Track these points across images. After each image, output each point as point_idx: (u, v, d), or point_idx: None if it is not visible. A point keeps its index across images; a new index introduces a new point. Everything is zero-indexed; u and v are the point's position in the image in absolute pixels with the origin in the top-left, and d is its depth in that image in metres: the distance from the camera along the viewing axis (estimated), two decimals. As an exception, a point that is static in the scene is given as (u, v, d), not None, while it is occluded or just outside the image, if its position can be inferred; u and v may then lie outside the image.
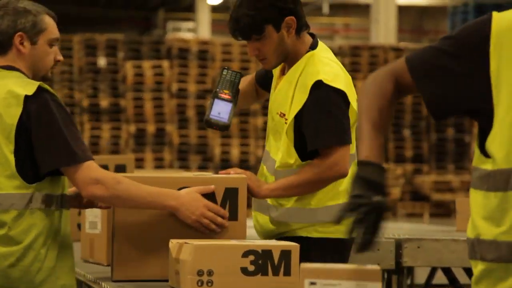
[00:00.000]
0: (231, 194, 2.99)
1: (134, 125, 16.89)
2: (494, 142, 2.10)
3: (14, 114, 2.84)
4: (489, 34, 2.10)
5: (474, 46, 2.11)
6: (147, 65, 16.99)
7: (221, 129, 3.23)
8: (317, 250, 3.17)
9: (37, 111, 2.86)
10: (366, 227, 2.06)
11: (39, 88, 2.89)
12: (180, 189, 2.97)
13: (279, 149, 3.20)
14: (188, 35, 24.84)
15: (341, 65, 3.25)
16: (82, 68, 16.95)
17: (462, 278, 5.03)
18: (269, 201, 3.25)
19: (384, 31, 19.03)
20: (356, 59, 17.71)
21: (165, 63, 17.07)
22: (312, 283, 2.14)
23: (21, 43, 2.98)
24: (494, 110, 2.09)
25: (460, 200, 5.08)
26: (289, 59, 3.20)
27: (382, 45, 18.18)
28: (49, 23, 3.10)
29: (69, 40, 17.11)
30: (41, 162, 2.85)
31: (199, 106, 17.16)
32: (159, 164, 16.83)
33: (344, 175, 3.12)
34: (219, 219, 2.94)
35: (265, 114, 18.99)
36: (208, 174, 3.16)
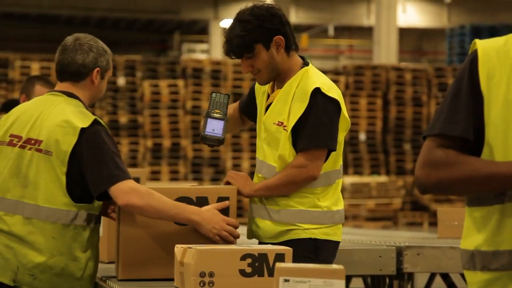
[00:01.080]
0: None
1: (151, 140, 16.90)
2: None
3: (69, 142, 3.13)
4: (477, 62, 2.13)
5: (472, 77, 2.12)
6: (163, 84, 17.01)
7: (217, 144, 3.34)
8: (322, 250, 3.22)
9: (90, 142, 3.14)
10: None
11: (94, 122, 3.18)
12: (178, 198, 3.18)
13: (278, 155, 3.25)
14: (202, 56, 24.90)
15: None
16: (103, 87, 16.99)
17: (460, 283, 4.99)
18: (267, 205, 3.31)
19: (386, 52, 19.02)
20: (359, 78, 17.70)
21: (180, 82, 17.09)
22: (286, 280, 2.26)
23: (96, 77, 3.32)
24: (485, 132, 2.09)
25: (441, 210, 5.13)
26: (281, 75, 3.28)
27: (384, 65, 18.17)
28: (112, 63, 3.43)
29: (91, 61, 17.15)
30: (93, 184, 3.14)
31: (212, 122, 17.15)
32: (174, 177, 16.83)
33: (314, 178, 3.19)
34: (236, 232, 3.18)
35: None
36: (202, 186, 3.39)
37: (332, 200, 3.27)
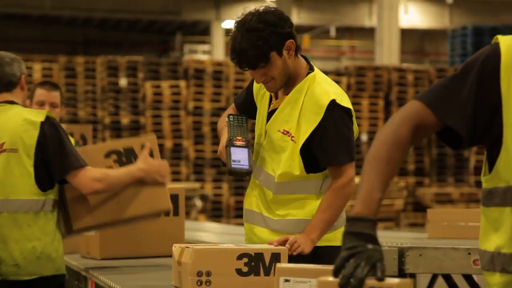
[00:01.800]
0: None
1: (153, 141, 16.89)
2: (505, 165, 2.05)
3: (32, 136, 3.50)
4: (499, 59, 2.07)
5: (484, 72, 2.07)
6: (165, 85, 17.01)
7: (245, 175, 3.21)
8: (323, 257, 3.14)
9: (51, 133, 3.51)
10: (361, 267, 1.89)
11: (47, 115, 3.55)
12: (109, 152, 3.65)
13: (280, 163, 3.18)
14: (203, 57, 24.90)
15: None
16: (105, 88, 16.99)
17: (462, 284, 4.99)
18: (265, 213, 3.23)
19: (387, 52, 19.01)
20: (361, 79, 17.69)
21: (182, 83, 17.10)
22: (286, 280, 2.29)
23: (24, 83, 3.70)
24: (504, 133, 2.04)
25: (431, 211, 5.17)
26: (289, 80, 3.20)
27: (385, 66, 18.17)
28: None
29: (93, 62, 17.16)
30: (56, 170, 3.50)
31: (214, 123, 17.17)
32: (176, 177, 16.83)
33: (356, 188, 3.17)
34: (167, 168, 3.73)
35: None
36: (122, 139, 3.68)
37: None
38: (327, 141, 3.11)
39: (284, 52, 3.13)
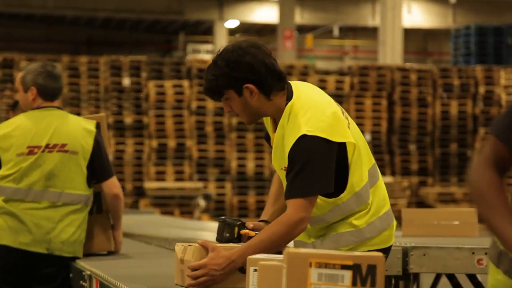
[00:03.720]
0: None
1: (156, 140, 16.91)
2: None
3: (90, 143, 4.39)
4: None
5: None
6: (168, 85, 17.02)
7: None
8: None
9: (100, 141, 4.42)
10: None
11: (96, 125, 4.44)
12: None
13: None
14: (206, 56, 24.90)
15: (319, 99, 3.07)
16: (108, 88, 17.00)
17: (465, 284, 4.99)
18: (312, 240, 3.14)
19: (390, 52, 19.00)
20: (364, 79, 17.69)
21: (185, 83, 17.10)
22: (255, 270, 2.36)
23: None
24: None
25: (405, 210, 5.27)
26: (272, 116, 3.09)
27: (389, 66, 18.15)
28: None
29: (96, 62, 17.17)
30: (99, 174, 4.43)
31: (217, 122, 17.18)
32: (179, 177, 16.83)
33: (303, 230, 2.96)
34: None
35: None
36: None
37: (366, 217, 3.08)
38: (289, 174, 2.98)
39: (246, 93, 3.02)
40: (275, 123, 3.11)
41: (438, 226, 5.16)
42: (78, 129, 4.38)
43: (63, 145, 4.34)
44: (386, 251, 3.14)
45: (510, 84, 16.64)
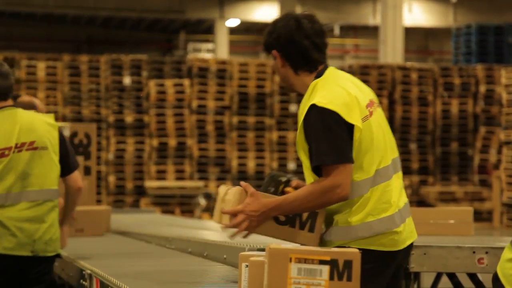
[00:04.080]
0: None
1: (157, 139, 16.90)
2: None
3: (55, 136, 4.30)
4: None
5: None
6: (169, 84, 17.01)
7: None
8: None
9: (62, 134, 4.37)
10: None
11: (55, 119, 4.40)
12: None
13: (310, 177, 3.13)
14: (207, 55, 24.89)
15: (345, 82, 3.14)
16: (109, 86, 17.00)
17: (466, 283, 4.98)
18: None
19: (391, 51, 18.99)
20: (365, 78, 17.67)
21: (186, 82, 17.09)
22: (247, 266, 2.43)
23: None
24: None
25: None
26: (301, 91, 3.18)
27: (389, 65, 18.15)
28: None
29: (97, 61, 17.16)
30: (66, 167, 4.33)
31: (218, 121, 17.17)
32: (180, 176, 16.83)
33: (345, 198, 3.00)
34: None
35: (280, 128, 18.92)
36: None
37: (360, 215, 3.08)
38: (309, 145, 3.04)
39: (276, 59, 3.19)
40: None
41: (434, 225, 5.15)
42: (42, 124, 4.28)
43: (32, 143, 4.23)
44: (388, 255, 3.11)
45: (511, 83, 16.63)
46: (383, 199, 3.12)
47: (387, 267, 3.13)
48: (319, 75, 3.15)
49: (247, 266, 2.63)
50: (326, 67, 3.19)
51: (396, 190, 3.19)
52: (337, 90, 3.09)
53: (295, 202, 3.00)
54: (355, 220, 3.07)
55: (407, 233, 3.17)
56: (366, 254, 2.88)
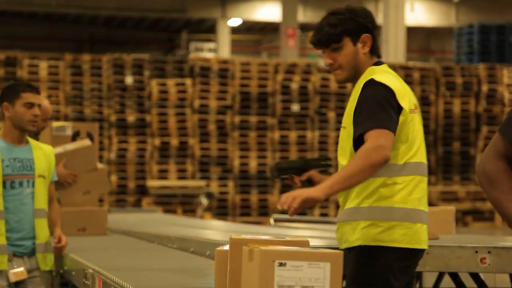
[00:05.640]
0: None
1: (159, 139, 16.91)
2: None
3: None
4: None
5: None
6: (171, 83, 17.01)
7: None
8: (381, 260, 3.13)
9: None
10: None
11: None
12: None
13: (345, 156, 3.17)
14: (209, 55, 24.90)
15: (405, 84, 3.25)
16: (111, 86, 17.00)
17: (468, 282, 4.98)
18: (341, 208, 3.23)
19: (393, 50, 18.99)
20: (367, 77, 17.66)
21: (188, 81, 17.10)
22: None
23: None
24: None
25: None
26: (357, 78, 3.21)
27: (392, 64, 18.13)
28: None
29: (99, 60, 17.17)
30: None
31: (220, 121, 17.17)
32: (182, 175, 16.83)
33: (388, 159, 3.02)
34: None
35: (281, 128, 18.88)
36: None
37: (382, 197, 3.13)
38: (359, 112, 3.10)
39: (359, 44, 3.20)
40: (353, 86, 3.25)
41: None
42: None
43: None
44: (402, 252, 3.17)
45: (513, 82, 16.62)
46: (411, 192, 3.21)
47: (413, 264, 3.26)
48: (377, 63, 3.26)
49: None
50: (382, 61, 3.30)
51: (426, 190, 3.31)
52: (395, 79, 3.20)
53: (342, 180, 3.00)
54: (396, 200, 3.15)
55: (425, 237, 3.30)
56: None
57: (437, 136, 18.10)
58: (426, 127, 17.97)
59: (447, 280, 5.30)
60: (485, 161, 2.25)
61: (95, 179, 5.90)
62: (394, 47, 18.94)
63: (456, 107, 18.07)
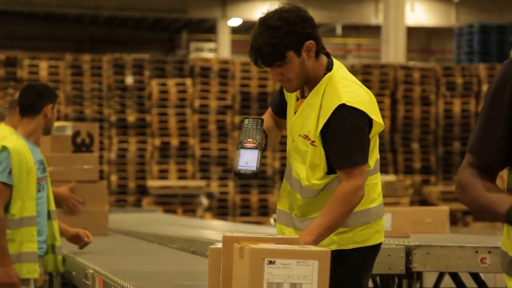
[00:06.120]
0: None
1: (159, 139, 16.91)
2: None
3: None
4: None
5: (504, 90, 2.06)
6: (171, 83, 17.01)
7: (251, 178, 3.08)
8: (353, 259, 3.14)
9: None
10: None
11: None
12: None
13: (303, 168, 3.11)
14: (209, 55, 24.89)
15: (357, 81, 3.16)
16: (111, 86, 17.00)
17: (468, 282, 4.98)
18: (294, 214, 3.19)
19: (394, 50, 18.98)
20: (367, 77, 17.67)
21: (188, 81, 17.09)
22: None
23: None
24: None
25: None
26: (308, 81, 3.11)
27: (392, 64, 18.14)
28: None
29: (99, 60, 17.17)
30: None
31: (220, 121, 17.17)
32: (182, 175, 16.83)
33: (361, 199, 3.05)
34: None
35: (282, 128, 18.92)
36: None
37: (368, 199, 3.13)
38: (335, 143, 3.03)
39: (303, 53, 3.05)
40: (302, 91, 3.14)
41: (412, 224, 5.17)
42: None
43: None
44: (373, 249, 3.17)
45: (513, 82, 16.63)
46: (376, 190, 3.18)
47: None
48: (329, 67, 3.13)
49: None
50: (331, 57, 3.18)
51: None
52: (358, 89, 3.11)
53: (325, 231, 3.01)
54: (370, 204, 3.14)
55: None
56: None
57: (437, 136, 18.10)
58: (426, 127, 17.97)
59: (447, 280, 5.30)
60: (458, 175, 2.19)
61: (94, 219, 5.85)
62: (394, 47, 18.94)
63: (456, 107, 18.07)
